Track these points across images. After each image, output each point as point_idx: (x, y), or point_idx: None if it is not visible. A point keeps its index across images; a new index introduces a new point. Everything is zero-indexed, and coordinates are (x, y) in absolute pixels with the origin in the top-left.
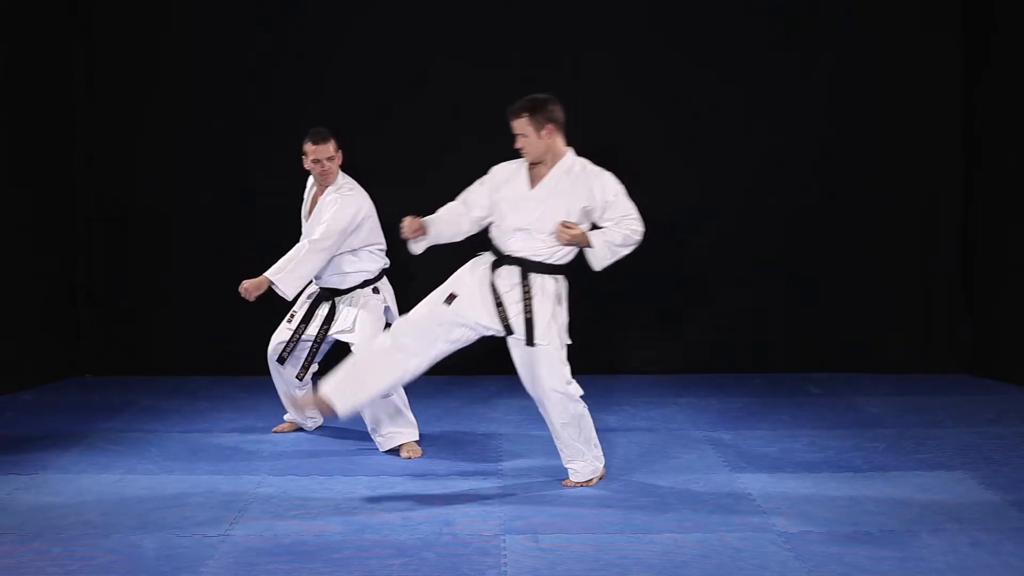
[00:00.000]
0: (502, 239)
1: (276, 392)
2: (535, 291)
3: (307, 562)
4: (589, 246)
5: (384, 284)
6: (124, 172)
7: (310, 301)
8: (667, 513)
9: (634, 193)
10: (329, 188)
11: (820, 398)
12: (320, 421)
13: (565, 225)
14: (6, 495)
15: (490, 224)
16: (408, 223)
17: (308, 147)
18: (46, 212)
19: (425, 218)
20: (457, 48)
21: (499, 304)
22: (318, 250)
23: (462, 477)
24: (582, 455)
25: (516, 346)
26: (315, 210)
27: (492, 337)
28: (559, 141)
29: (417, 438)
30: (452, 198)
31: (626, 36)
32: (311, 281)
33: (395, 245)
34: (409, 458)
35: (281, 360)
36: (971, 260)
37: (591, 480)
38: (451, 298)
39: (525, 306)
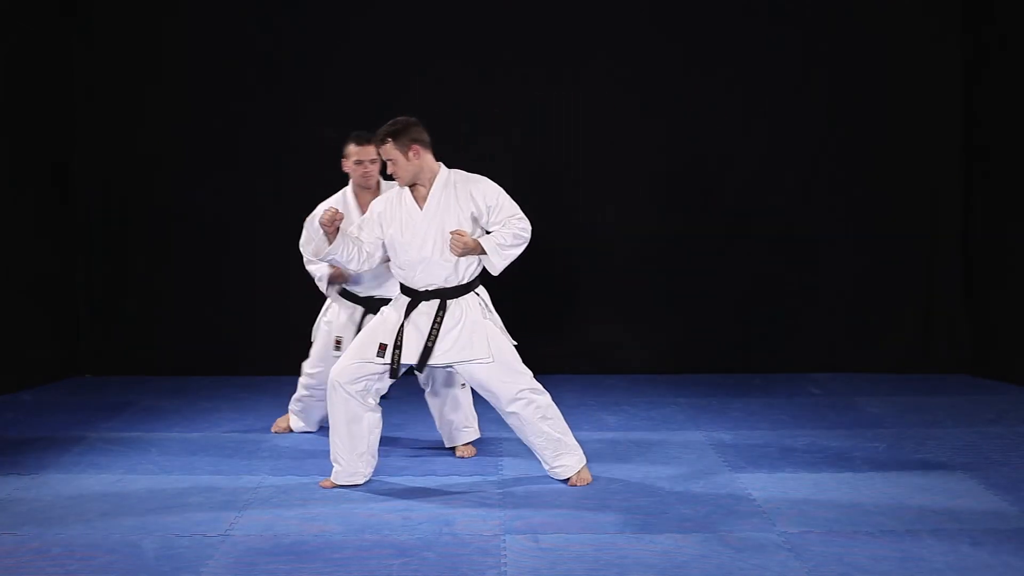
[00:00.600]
0: (408, 276)
1: (276, 392)
2: (458, 315)
3: (307, 562)
4: (483, 252)
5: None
6: (124, 172)
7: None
8: (667, 513)
9: (635, 193)
10: (389, 192)
11: (820, 398)
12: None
13: (457, 233)
14: (6, 495)
15: (388, 263)
16: (332, 213)
17: (351, 148)
18: (46, 212)
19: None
20: (457, 48)
21: (429, 344)
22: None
23: (462, 477)
24: (564, 445)
25: (466, 372)
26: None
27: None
28: (428, 159)
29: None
30: None
31: (626, 36)
32: (329, 304)
33: None
34: (463, 457)
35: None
36: (971, 260)
37: (583, 468)
38: (382, 348)
39: (441, 333)
